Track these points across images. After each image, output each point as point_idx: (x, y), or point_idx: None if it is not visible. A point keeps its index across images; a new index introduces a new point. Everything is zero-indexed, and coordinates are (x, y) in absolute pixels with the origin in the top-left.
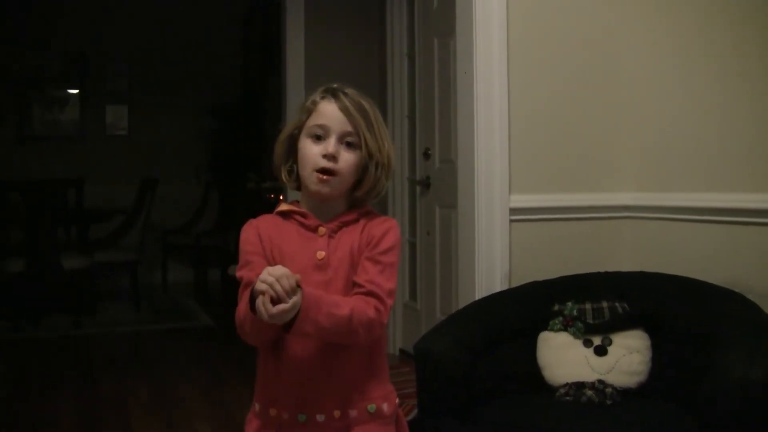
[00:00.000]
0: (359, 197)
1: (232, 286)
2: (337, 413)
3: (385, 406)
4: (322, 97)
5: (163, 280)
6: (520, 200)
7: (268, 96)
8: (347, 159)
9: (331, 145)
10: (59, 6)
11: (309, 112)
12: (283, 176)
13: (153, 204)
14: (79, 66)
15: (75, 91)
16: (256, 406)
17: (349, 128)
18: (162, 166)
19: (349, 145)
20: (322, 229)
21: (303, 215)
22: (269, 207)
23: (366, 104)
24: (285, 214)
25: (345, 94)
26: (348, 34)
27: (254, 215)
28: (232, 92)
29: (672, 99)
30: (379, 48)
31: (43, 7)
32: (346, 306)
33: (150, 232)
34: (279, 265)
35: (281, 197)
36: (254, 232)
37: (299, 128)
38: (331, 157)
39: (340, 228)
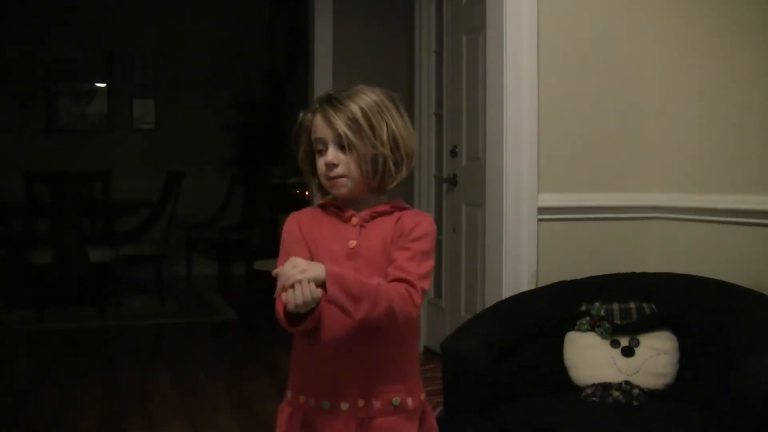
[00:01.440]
0: (375, 190)
1: (257, 280)
2: (361, 402)
3: (409, 401)
4: (313, 111)
5: (187, 274)
6: (549, 199)
7: (293, 90)
8: (345, 161)
9: (329, 154)
10: (88, 0)
11: (308, 129)
12: (315, 190)
13: (178, 198)
14: (107, 60)
15: (102, 85)
16: (288, 394)
17: (336, 133)
18: (188, 159)
19: (343, 148)
20: (354, 219)
21: (338, 207)
22: (295, 202)
23: (353, 103)
24: (324, 207)
25: (330, 100)
26: (376, 30)
27: (280, 209)
28: (259, 86)
29: (701, 99)
30: (407, 44)
31: (72, 0)
32: (374, 280)
33: (175, 226)
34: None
35: (306, 192)
36: (295, 223)
37: (310, 145)
38: (331, 165)
39: (373, 218)
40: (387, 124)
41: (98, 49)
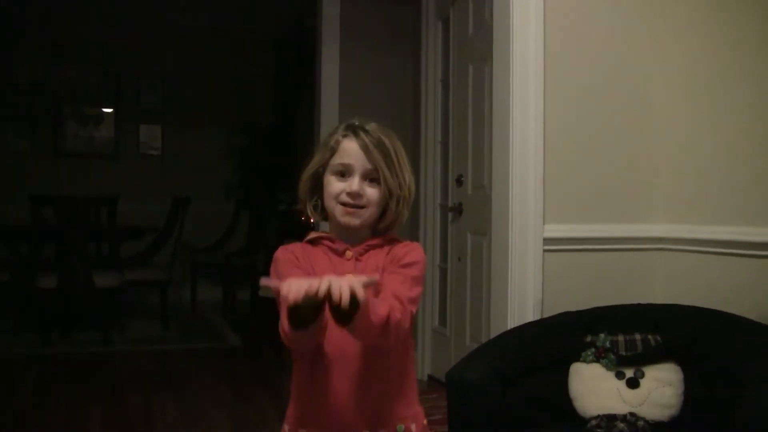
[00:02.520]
0: (382, 228)
1: (261, 306)
2: None
3: (413, 426)
4: (344, 135)
5: (192, 299)
6: (554, 230)
7: (300, 117)
8: (371, 194)
9: (355, 183)
10: (96, 25)
11: (332, 150)
12: (309, 211)
13: (184, 223)
14: (114, 85)
15: (109, 110)
16: (286, 428)
17: (370, 166)
18: (194, 185)
19: (372, 181)
20: (349, 253)
21: (331, 240)
22: (300, 228)
23: (386, 139)
24: (313, 241)
25: (365, 131)
26: (382, 59)
27: (285, 235)
28: (265, 113)
29: (707, 131)
30: (414, 73)
31: (80, 25)
32: (383, 308)
33: (180, 251)
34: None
35: (312, 221)
36: (290, 253)
37: (323, 166)
38: (356, 195)
39: (366, 251)
40: (407, 168)
41: (106, 74)
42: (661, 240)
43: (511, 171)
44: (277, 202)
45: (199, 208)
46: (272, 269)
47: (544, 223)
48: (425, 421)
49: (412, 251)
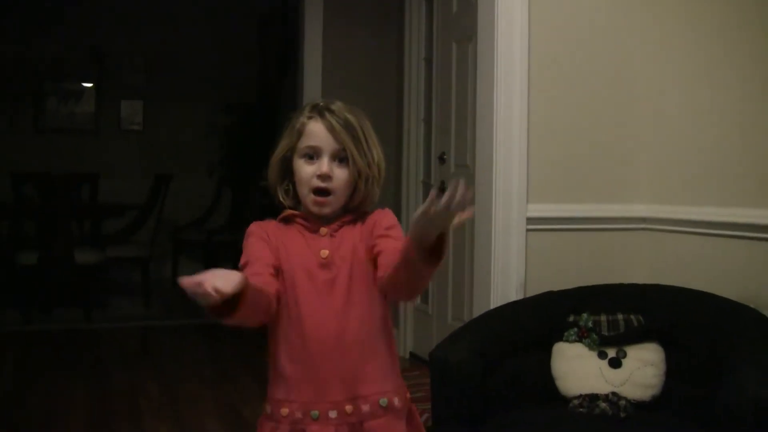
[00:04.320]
0: (353, 207)
1: None
2: (349, 408)
3: (396, 400)
4: (310, 117)
5: (174, 276)
6: (538, 209)
7: (283, 94)
8: (340, 176)
9: (324, 164)
10: (78, 0)
11: (299, 133)
12: (280, 196)
13: (166, 199)
14: (96, 60)
15: (90, 85)
16: (268, 408)
17: (337, 146)
18: (175, 161)
19: (341, 161)
20: (323, 230)
21: (305, 219)
22: (282, 206)
23: (353, 119)
24: (287, 220)
25: (331, 111)
26: (366, 37)
27: (267, 213)
28: (248, 89)
29: (691, 111)
30: (397, 51)
31: (62, 0)
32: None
33: (162, 228)
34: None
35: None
36: (262, 229)
37: (291, 150)
38: (326, 177)
39: (340, 227)
40: (376, 146)
41: (87, 49)
42: (644, 220)
43: (494, 149)
44: (260, 179)
45: (180, 184)
46: (244, 242)
47: (527, 203)
48: (409, 395)
49: (386, 215)
